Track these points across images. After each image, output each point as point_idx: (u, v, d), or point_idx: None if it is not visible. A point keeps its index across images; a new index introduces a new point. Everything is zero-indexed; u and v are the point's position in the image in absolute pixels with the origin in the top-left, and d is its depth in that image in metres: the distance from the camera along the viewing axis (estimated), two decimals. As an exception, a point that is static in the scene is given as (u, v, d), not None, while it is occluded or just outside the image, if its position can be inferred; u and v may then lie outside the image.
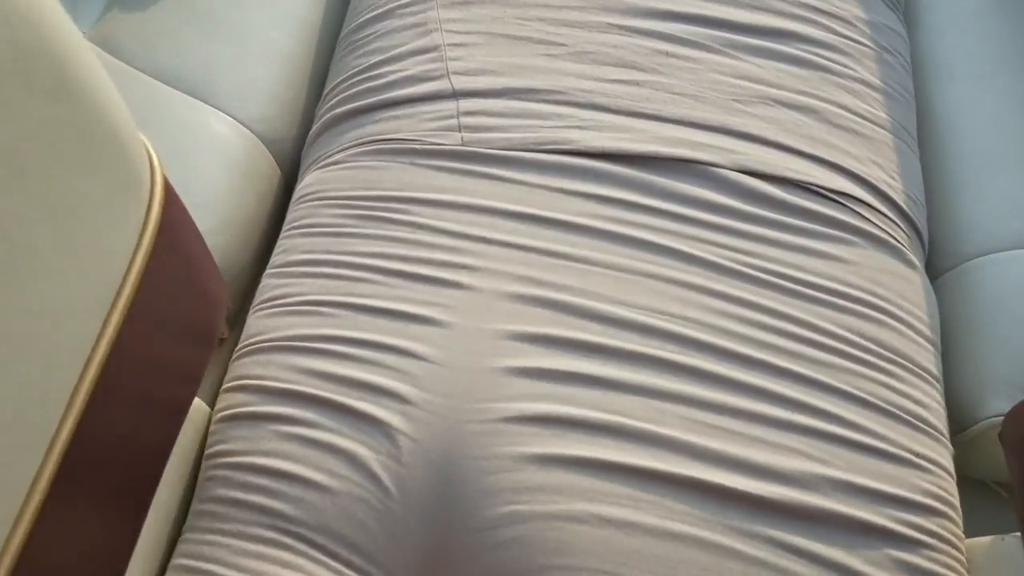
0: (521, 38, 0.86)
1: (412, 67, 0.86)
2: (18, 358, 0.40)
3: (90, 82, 0.43)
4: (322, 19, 1.01)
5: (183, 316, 0.58)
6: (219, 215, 0.82)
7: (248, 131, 0.89)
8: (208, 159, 0.84)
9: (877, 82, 0.88)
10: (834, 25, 0.90)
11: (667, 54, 0.85)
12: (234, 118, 0.88)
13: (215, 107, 0.88)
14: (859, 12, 0.93)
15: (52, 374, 0.43)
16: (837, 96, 0.85)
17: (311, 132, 0.91)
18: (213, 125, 0.86)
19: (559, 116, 0.81)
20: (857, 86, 0.86)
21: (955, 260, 0.88)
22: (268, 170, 0.90)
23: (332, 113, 0.88)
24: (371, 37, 0.92)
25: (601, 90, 0.82)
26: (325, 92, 0.93)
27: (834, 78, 0.86)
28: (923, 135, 0.97)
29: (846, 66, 0.87)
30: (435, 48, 0.86)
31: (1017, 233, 0.85)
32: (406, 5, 0.92)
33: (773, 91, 0.83)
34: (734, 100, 0.82)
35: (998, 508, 0.82)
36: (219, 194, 0.82)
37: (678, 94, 0.82)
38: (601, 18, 0.87)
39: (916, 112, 0.95)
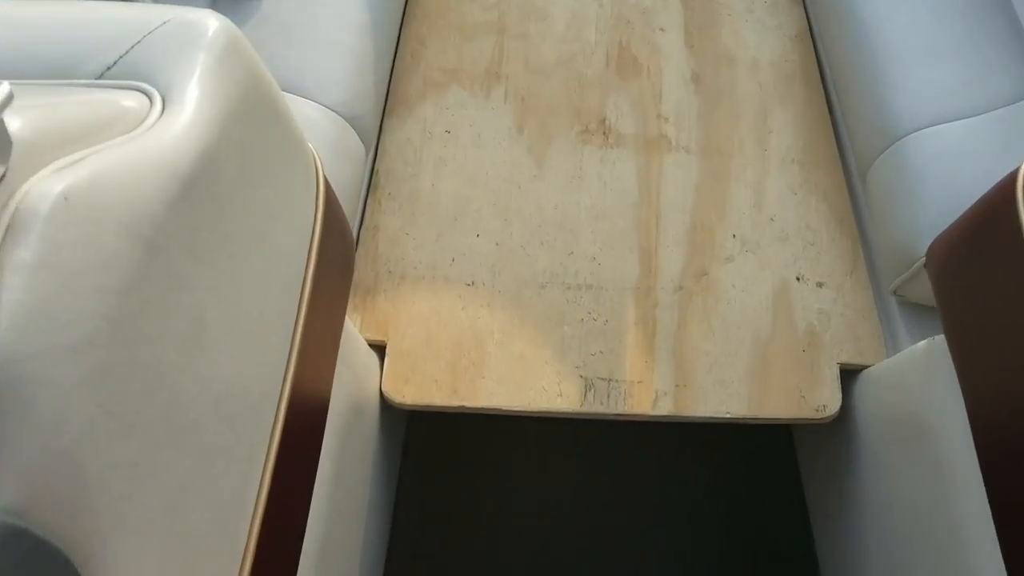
0: None
1: None
2: (278, 271, 0.62)
3: (284, 110, 0.62)
4: (377, 19, 1.17)
5: (340, 255, 0.79)
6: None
7: (334, 113, 1.03)
8: (308, 138, 0.97)
9: None
10: None
11: None
12: (321, 104, 1.02)
13: (304, 97, 1.02)
14: None
15: (292, 290, 0.66)
16: None
17: None
18: (306, 111, 1.00)
19: None
20: None
21: (889, 140, 1.10)
22: (354, 143, 1.07)
23: None
24: None
25: None
26: None
27: None
28: (853, 38, 1.21)
29: None
30: None
31: (933, 113, 1.07)
32: None
33: None
34: None
35: (935, 325, 1.00)
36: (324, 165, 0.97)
37: None
38: None
39: (845, 20, 1.23)
